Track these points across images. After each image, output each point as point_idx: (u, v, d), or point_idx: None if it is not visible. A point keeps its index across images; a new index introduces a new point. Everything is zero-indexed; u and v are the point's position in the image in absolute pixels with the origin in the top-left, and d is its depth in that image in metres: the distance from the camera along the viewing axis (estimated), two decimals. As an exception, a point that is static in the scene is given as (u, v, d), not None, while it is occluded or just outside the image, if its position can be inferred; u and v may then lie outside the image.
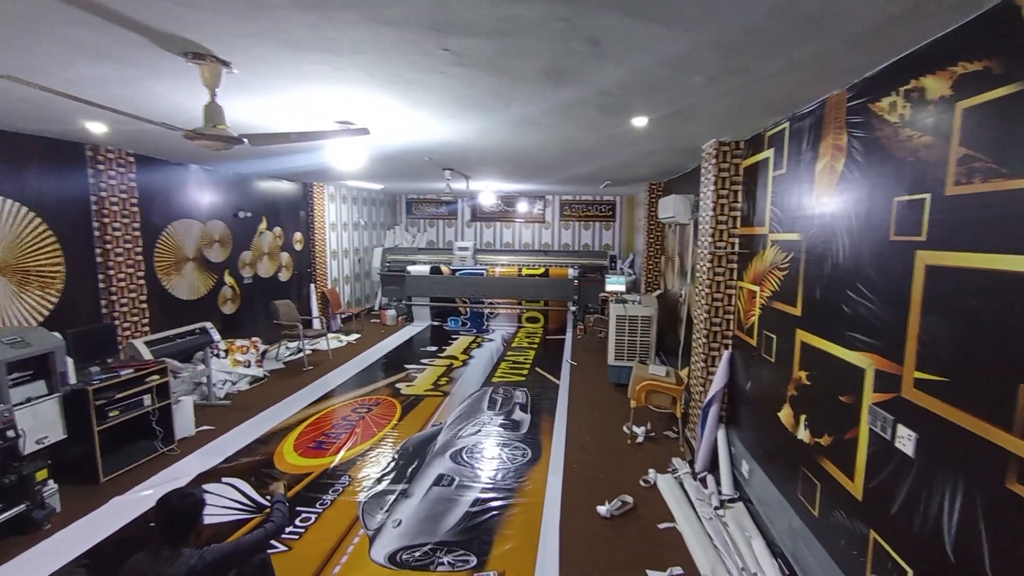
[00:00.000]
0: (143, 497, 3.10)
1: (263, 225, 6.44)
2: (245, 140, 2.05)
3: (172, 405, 3.81)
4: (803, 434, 2.28)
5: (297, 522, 2.83)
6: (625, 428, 4.21)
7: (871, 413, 1.78)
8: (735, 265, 3.38)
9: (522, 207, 10.59)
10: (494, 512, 2.95)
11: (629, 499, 3.10)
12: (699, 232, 3.74)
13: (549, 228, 10.63)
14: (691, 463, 3.57)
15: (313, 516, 2.90)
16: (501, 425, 4.23)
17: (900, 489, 1.61)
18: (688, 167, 5.09)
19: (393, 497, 3.09)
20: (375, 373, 5.76)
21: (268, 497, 2.56)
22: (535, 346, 7.08)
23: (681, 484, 3.29)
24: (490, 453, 3.71)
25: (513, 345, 7.10)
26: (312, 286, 7.70)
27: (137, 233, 4.43)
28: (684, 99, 2.38)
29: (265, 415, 4.47)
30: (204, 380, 4.74)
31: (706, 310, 3.48)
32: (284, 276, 6.98)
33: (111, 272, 4.20)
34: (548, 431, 4.14)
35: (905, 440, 1.59)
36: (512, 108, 2.71)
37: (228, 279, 5.80)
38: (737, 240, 3.35)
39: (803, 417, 2.29)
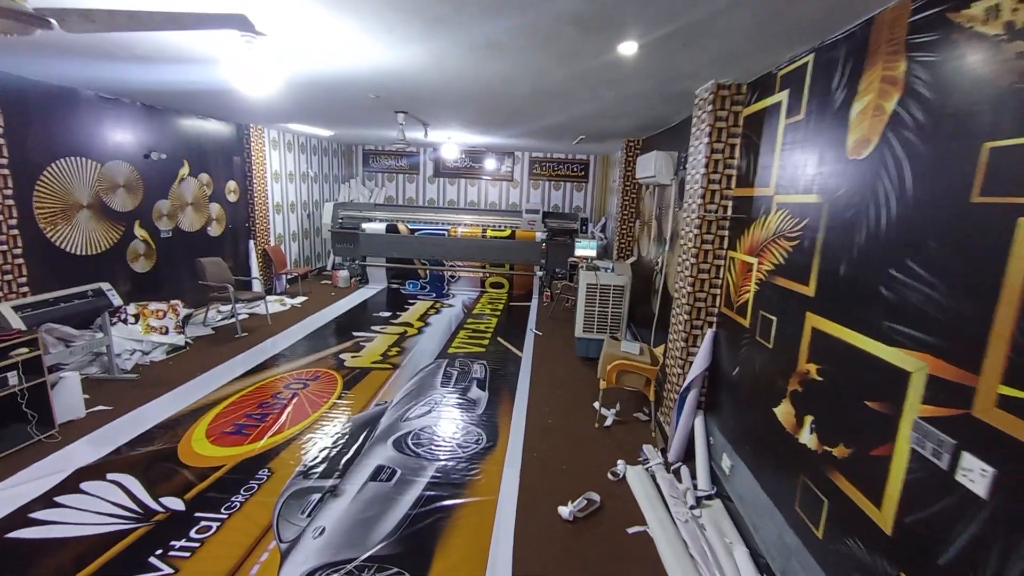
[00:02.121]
0: (3, 495, 2.48)
1: (184, 170, 5.54)
2: (53, 22, 1.35)
3: (49, 383, 3.13)
4: (808, 438, 1.89)
5: (192, 533, 2.29)
6: (596, 406, 3.83)
7: (917, 430, 1.37)
8: (726, 232, 2.92)
9: (490, 164, 9.86)
10: (439, 515, 2.50)
11: (596, 497, 2.71)
12: (685, 194, 3.25)
13: (518, 187, 9.98)
14: (663, 452, 3.23)
15: (215, 524, 2.36)
16: (455, 404, 3.76)
17: (957, 535, 1.22)
18: (673, 120, 4.55)
19: (318, 497, 2.59)
20: (318, 341, 5.15)
21: None
22: (498, 313, 6.60)
23: (653, 478, 2.93)
24: (440, 439, 3.24)
25: (474, 312, 6.59)
26: (251, 243, 6.88)
27: (4, 171, 3.56)
28: (691, 9, 1.81)
29: (179, 392, 3.83)
30: (104, 350, 4.02)
31: (689, 283, 3.04)
32: (215, 230, 6.13)
33: (-33, 218, 3.37)
34: (507, 412, 3.70)
35: (974, 474, 1.18)
36: (470, 23, 2.07)
37: (140, 231, 4.96)
38: (731, 203, 2.88)
39: (809, 419, 1.89)
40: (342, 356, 4.68)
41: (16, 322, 3.18)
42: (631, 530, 2.48)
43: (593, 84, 3.16)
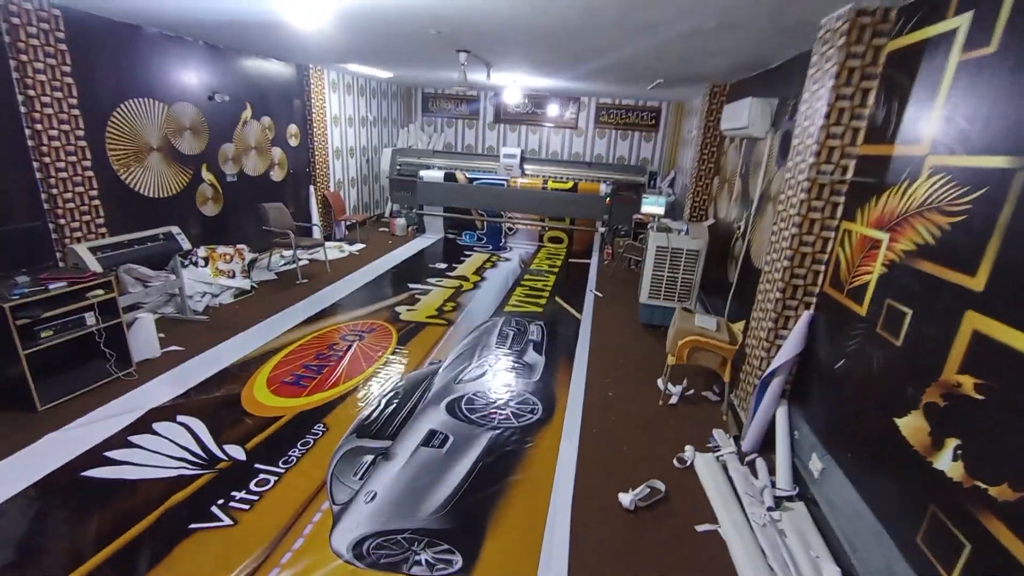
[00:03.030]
0: (83, 431, 2.63)
1: (247, 113, 5.49)
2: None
3: (125, 324, 3.26)
4: (948, 466, 1.54)
5: (252, 485, 2.32)
6: (660, 383, 3.56)
7: None
8: (842, 199, 2.44)
9: (553, 110, 9.24)
10: (492, 490, 2.39)
11: (660, 486, 2.50)
12: (791, 150, 2.74)
13: (582, 136, 9.34)
14: (737, 440, 2.94)
15: (273, 479, 2.38)
16: (510, 369, 3.61)
17: None
18: (773, 61, 3.88)
19: (371, 459, 2.55)
20: (375, 291, 5.14)
21: None
22: (556, 270, 6.33)
23: (725, 469, 2.68)
24: (494, 406, 3.11)
25: (532, 267, 6.35)
26: (312, 188, 6.89)
27: (75, 112, 3.59)
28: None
29: (244, 336, 3.93)
30: (177, 292, 4.17)
31: (787, 256, 2.61)
32: (277, 175, 6.16)
33: (46, 160, 3.45)
34: (565, 381, 3.51)
35: None
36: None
37: (207, 175, 5.02)
38: (853, 163, 2.38)
39: (952, 442, 1.54)
40: (397, 309, 4.63)
41: (93, 264, 3.30)
42: (700, 528, 2.27)
43: (694, 12, 2.65)
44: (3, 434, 2.61)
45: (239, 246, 5.15)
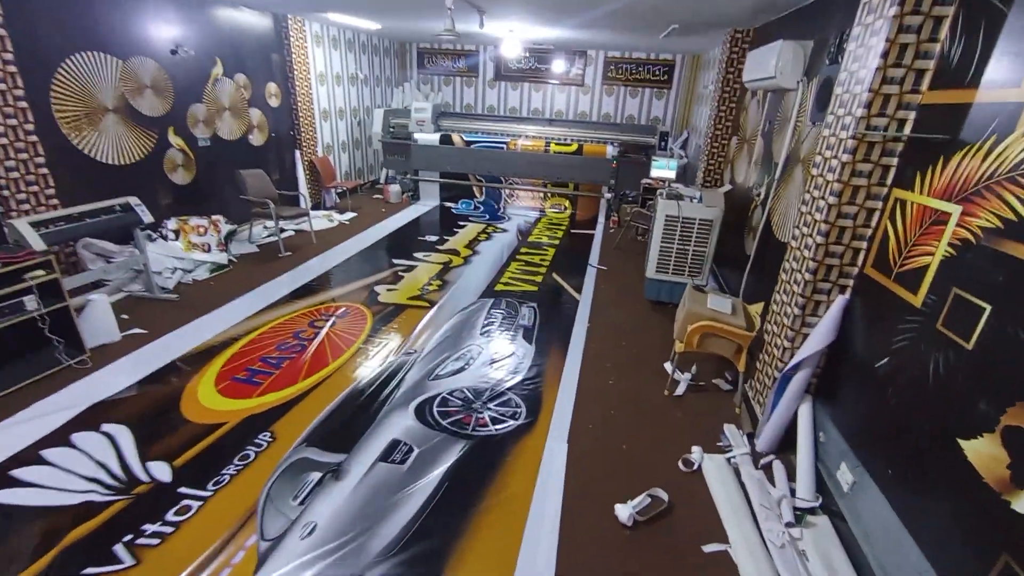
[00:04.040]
0: (18, 428, 2.36)
1: (218, 70, 5.01)
2: None
3: (73, 307, 2.95)
4: (1034, 511, 1.19)
5: (170, 515, 1.93)
6: (667, 368, 3.22)
7: None
8: (895, 161, 2.00)
9: (558, 65, 8.56)
10: (458, 519, 1.99)
11: (663, 496, 2.19)
12: (832, 100, 2.27)
13: (588, 93, 8.70)
14: (751, 438, 2.61)
15: (196, 505, 1.97)
16: (494, 361, 3.18)
17: None
18: (809, -4, 3.31)
19: (318, 477, 2.14)
20: (359, 266, 4.79)
21: None
22: (556, 241, 5.91)
23: (737, 473, 2.36)
24: (470, 407, 2.70)
25: (530, 239, 5.93)
26: (297, 153, 6.45)
27: (12, 68, 3.18)
28: None
29: (212, 317, 3.62)
30: (142, 268, 3.85)
31: (821, 230, 2.19)
32: (257, 139, 5.72)
33: (-23, 122, 3.07)
34: (556, 372, 3.13)
35: None
36: None
37: (174, 139, 4.60)
38: (913, 115, 1.92)
39: (1045, 484, 1.18)
40: (377, 289, 4.22)
41: (35, 240, 2.96)
42: (708, 548, 1.97)
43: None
44: (-68, 433, 2.36)
45: (215, 217, 4.80)
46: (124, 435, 2.35)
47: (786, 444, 2.48)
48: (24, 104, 3.28)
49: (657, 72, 8.37)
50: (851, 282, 2.22)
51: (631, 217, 6.02)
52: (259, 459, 2.25)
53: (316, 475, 2.16)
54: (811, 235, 2.29)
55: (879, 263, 2.02)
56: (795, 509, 2.12)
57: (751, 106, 4.50)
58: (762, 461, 2.43)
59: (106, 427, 2.40)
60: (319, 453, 2.30)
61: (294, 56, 6.03)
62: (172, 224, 4.43)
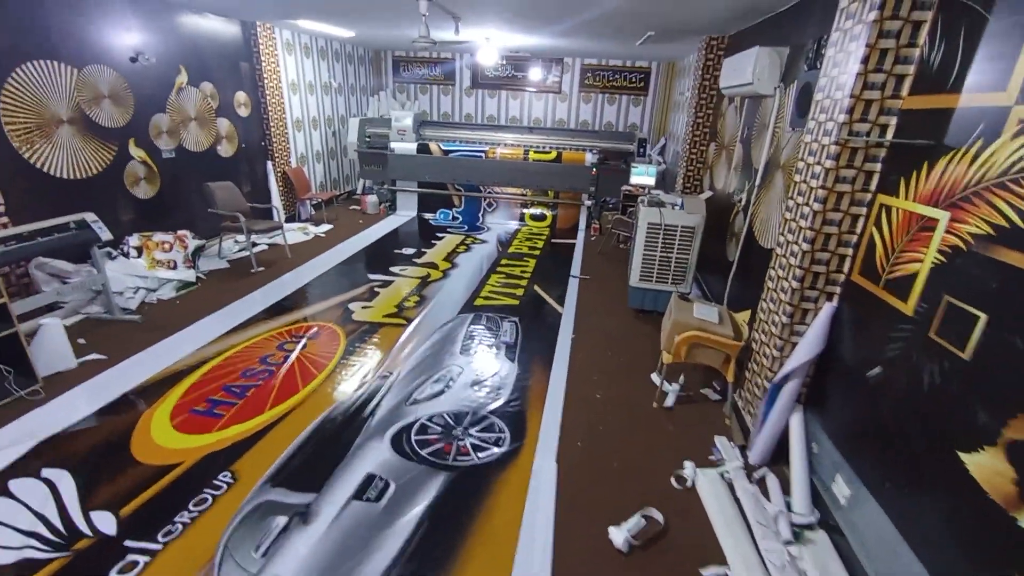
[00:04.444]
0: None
1: (182, 78, 4.82)
2: None
3: (22, 333, 2.74)
4: (1046, 532, 1.14)
5: (112, 574, 1.72)
6: (654, 378, 3.16)
7: None
8: (878, 167, 1.98)
9: (535, 73, 8.56)
10: (439, 554, 1.86)
11: (658, 516, 2.11)
12: (813, 106, 2.25)
13: (566, 101, 8.71)
14: (743, 450, 2.55)
15: (143, 561, 1.77)
16: (475, 382, 3.01)
17: None
18: (782, 4, 3.33)
19: (283, 523, 1.94)
20: (333, 283, 4.62)
21: None
22: (537, 252, 5.84)
23: (731, 488, 2.29)
24: (451, 435, 2.53)
25: (510, 250, 5.85)
26: (270, 165, 6.26)
27: (-50, 77, 2.97)
28: None
29: (175, 340, 3.41)
30: (101, 288, 3.63)
31: (806, 237, 2.16)
32: (226, 150, 5.52)
33: (-88, 136, 2.85)
34: (541, 389, 3.01)
35: None
36: None
37: (136, 151, 4.39)
38: (894, 121, 1.90)
39: (1056, 503, 1.13)
40: (351, 306, 4.03)
41: (-22, 262, 2.75)
42: (706, 573, 1.88)
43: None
44: None
45: (181, 232, 4.58)
46: (65, 481, 2.12)
47: (779, 455, 2.43)
48: (-33, 116, 3.07)
49: (634, 79, 8.44)
50: (838, 289, 2.19)
51: (612, 224, 5.99)
52: (217, 504, 2.04)
53: (282, 520, 1.97)
54: (796, 242, 2.25)
55: (866, 270, 1.99)
56: (792, 525, 2.06)
57: (728, 112, 4.52)
58: (756, 474, 2.37)
59: (46, 472, 2.17)
60: (285, 494, 2.10)
61: (264, 64, 5.86)
62: (134, 240, 4.21)
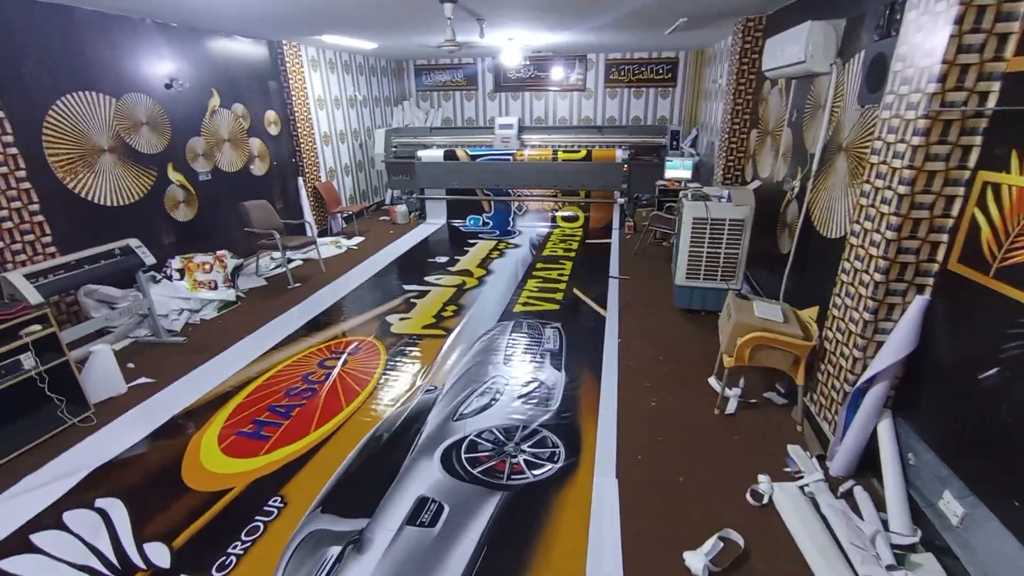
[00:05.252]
0: (17, 501, 2.15)
1: (215, 101, 4.89)
2: None
3: (73, 362, 2.76)
4: None
5: None
6: (713, 383, 2.96)
7: None
8: (979, 140, 1.74)
9: (557, 72, 8.41)
10: None
11: (737, 538, 1.92)
12: (890, 78, 2.03)
13: (591, 98, 8.52)
14: (821, 460, 2.33)
15: None
16: (523, 395, 2.87)
17: None
18: (833, -27, 3.08)
19: (338, 552, 1.85)
20: (368, 295, 4.57)
21: None
22: (572, 254, 5.67)
23: (815, 505, 2.08)
24: (503, 451, 2.40)
25: (544, 253, 5.70)
26: (300, 180, 6.31)
27: (-1, 114, 3.05)
28: None
29: (221, 361, 3.42)
30: (147, 312, 3.67)
31: (891, 223, 1.93)
32: (259, 169, 5.58)
33: (-35, 173, 2.93)
34: (592, 399, 2.85)
35: None
36: None
37: (174, 175, 4.46)
38: (998, 86, 1.67)
39: None
40: (388, 319, 3.97)
41: (30, 293, 2.78)
42: (799, 604, 1.69)
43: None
44: (-76, 512, 2.16)
45: (220, 252, 4.63)
46: (119, 510, 2.10)
47: (865, 467, 2.20)
48: (14, 150, 3.15)
49: (660, 71, 8.18)
50: (931, 281, 1.95)
51: (649, 221, 5.77)
52: (269, 531, 1.97)
53: (335, 550, 1.88)
54: (877, 229, 2.03)
55: (969, 257, 1.75)
56: (892, 547, 1.84)
57: (772, 96, 4.26)
58: (841, 488, 2.15)
59: (100, 502, 2.15)
60: (336, 521, 2.01)
61: (291, 82, 5.92)
62: (176, 263, 4.26)
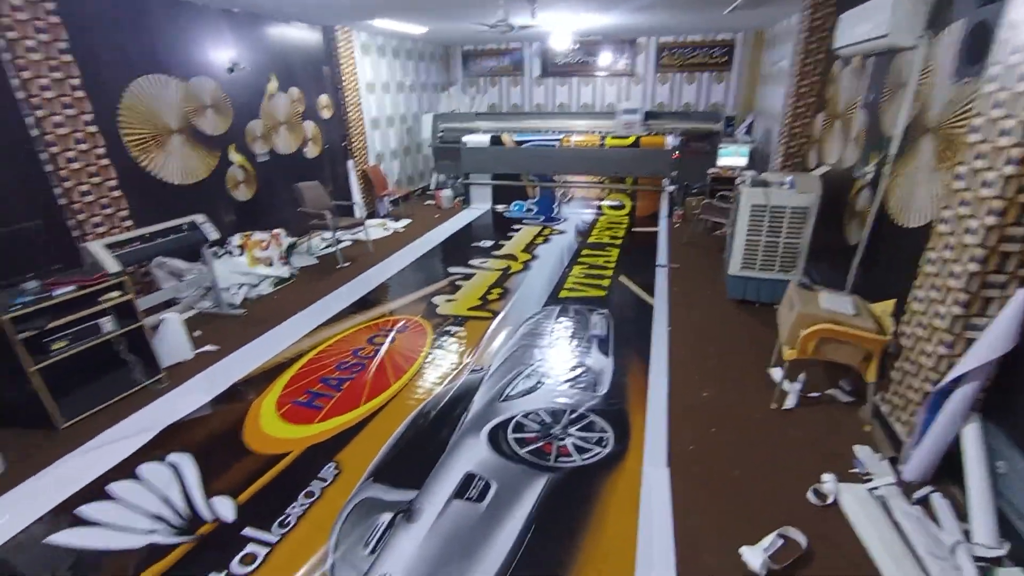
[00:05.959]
0: (88, 458, 2.31)
1: (273, 85, 5.04)
2: None
3: (147, 327, 2.93)
4: None
5: (235, 564, 1.74)
6: (771, 374, 2.83)
7: None
8: (1105, 113, 1.55)
9: (605, 58, 8.20)
10: (550, 564, 1.73)
11: (799, 537, 1.83)
12: (997, 47, 1.83)
13: (640, 84, 8.27)
14: (893, 463, 2.18)
15: (262, 553, 1.78)
16: (569, 379, 2.84)
17: None
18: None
19: (388, 519, 1.91)
20: (415, 275, 4.64)
21: None
22: (619, 241, 5.54)
23: (887, 509, 1.95)
24: (550, 433, 2.39)
25: (590, 240, 5.60)
26: (350, 163, 6.45)
27: (80, 94, 3.23)
28: None
29: (277, 333, 3.55)
30: (211, 285, 3.86)
31: (992, 209, 1.76)
32: (311, 152, 5.74)
33: (53, 149, 3.13)
34: (641, 386, 2.78)
35: None
36: None
37: (236, 156, 4.64)
38: None
39: None
40: (435, 300, 4.00)
41: (109, 262, 2.96)
42: (870, 610, 1.59)
43: None
44: (17, 457, 2.36)
45: (275, 231, 4.81)
46: (188, 465, 2.24)
47: (942, 472, 2.04)
48: (94, 128, 3.34)
49: (715, 54, 7.83)
50: (1036, 272, 1.77)
51: (700, 210, 5.56)
52: (325, 496, 2.05)
53: (387, 516, 1.93)
54: (974, 216, 1.85)
55: (1086, 246, 1.57)
56: (975, 559, 1.70)
57: (844, 76, 3.98)
58: (916, 494, 2.01)
59: (171, 457, 2.30)
60: (386, 490, 2.07)
61: (343, 67, 6.03)
62: (236, 240, 4.45)
